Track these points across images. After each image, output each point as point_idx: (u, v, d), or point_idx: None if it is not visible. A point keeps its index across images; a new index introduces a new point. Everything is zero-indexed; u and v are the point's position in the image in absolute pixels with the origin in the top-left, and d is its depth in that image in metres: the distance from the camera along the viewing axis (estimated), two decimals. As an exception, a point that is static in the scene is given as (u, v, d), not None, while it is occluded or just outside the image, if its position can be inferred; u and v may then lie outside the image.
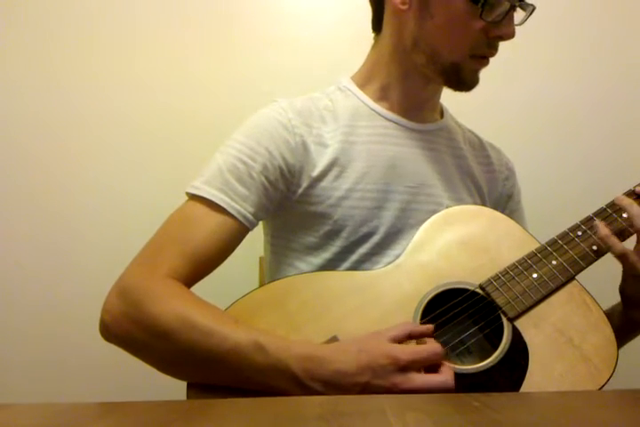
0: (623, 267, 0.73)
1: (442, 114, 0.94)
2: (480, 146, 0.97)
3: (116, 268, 0.73)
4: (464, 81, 0.82)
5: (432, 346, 0.61)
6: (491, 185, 0.93)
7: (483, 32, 0.77)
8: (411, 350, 0.59)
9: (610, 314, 0.75)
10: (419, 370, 0.60)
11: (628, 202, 0.74)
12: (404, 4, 0.79)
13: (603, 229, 0.73)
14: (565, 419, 0.41)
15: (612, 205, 0.76)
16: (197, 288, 0.73)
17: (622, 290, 0.77)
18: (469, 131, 0.98)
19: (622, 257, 0.71)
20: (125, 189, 1.34)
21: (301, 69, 1.35)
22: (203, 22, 1.37)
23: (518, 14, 0.80)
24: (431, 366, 0.61)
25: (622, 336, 0.78)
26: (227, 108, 1.32)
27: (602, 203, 0.77)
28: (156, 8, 1.36)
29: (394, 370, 0.58)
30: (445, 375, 0.60)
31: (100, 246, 1.32)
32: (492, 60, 0.82)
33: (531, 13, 0.80)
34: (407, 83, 0.86)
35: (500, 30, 0.77)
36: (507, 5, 0.75)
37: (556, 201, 1.35)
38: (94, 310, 0.70)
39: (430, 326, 0.65)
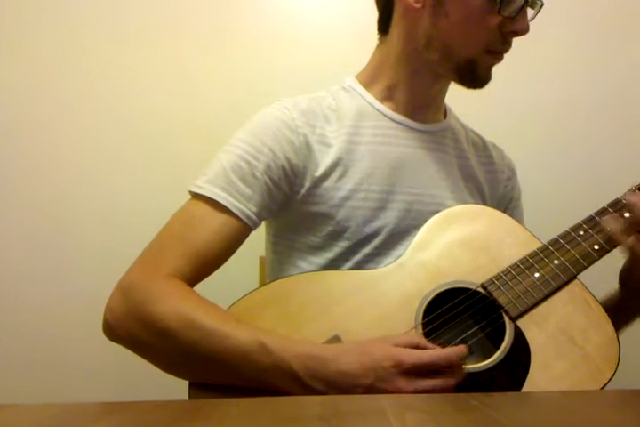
0: (631, 258, 0.73)
1: (445, 114, 0.94)
2: (483, 146, 0.96)
3: (118, 267, 0.73)
4: (478, 77, 0.82)
5: (437, 352, 0.60)
6: (492, 186, 0.93)
7: (497, 28, 0.77)
8: (415, 355, 0.59)
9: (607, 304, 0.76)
10: (422, 374, 0.59)
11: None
12: (417, 2, 0.79)
13: (612, 222, 0.73)
14: (566, 419, 0.41)
15: (614, 204, 0.76)
16: (198, 288, 0.73)
17: (627, 277, 0.78)
18: (472, 131, 0.98)
19: (632, 249, 0.71)
20: (125, 188, 1.33)
21: (301, 69, 1.34)
22: (201, 22, 1.36)
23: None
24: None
25: (621, 321, 0.79)
26: (226, 108, 1.32)
27: (603, 202, 0.76)
28: (154, 8, 1.36)
29: (397, 373, 0.58)
30: (448, 376, 0.59)
31: (102, 245, 1.32)
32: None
33: (539, 10, 0.81)
34: (415, 82, 0.86)
35: (514, 26, 0.77)
36: (521, 1, 0.76)
37: (559, 201, 1.35)
38: (96, 310, 0.70)
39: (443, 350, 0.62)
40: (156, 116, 1.34)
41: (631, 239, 0.70)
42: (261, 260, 1.18)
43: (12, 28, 1.32)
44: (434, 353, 0.60)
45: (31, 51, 1.33)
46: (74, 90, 1.34)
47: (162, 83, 1.35)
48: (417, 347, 0.62)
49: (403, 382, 0.57)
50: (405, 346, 0.61)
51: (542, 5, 0.80)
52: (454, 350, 0.60)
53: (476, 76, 0.82)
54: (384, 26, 0.87)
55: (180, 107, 1.34)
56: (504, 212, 0.92)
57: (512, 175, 0.98)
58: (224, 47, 1.36)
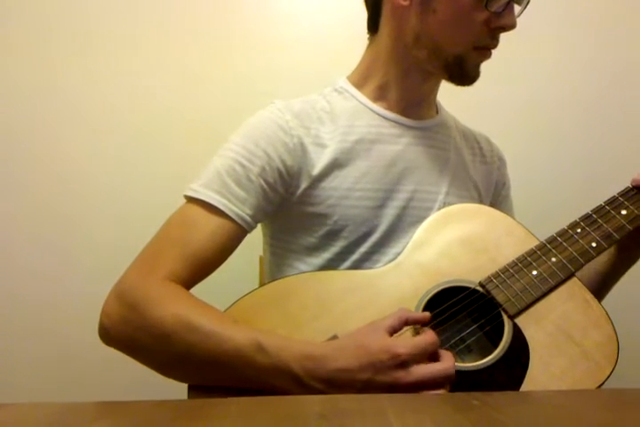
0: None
1: (437, 110, 0.94)
2: (472, 137, 0.98)
3: (120, 267, 0.73)
4: (467, 74, 0.82)
5: (428, 336, 0.61)
6: (485, 177, 0.94)
7: (485, 24, 0.77)
8: (409, 344, 0.59)
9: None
10: (419, 362, 0.59)
11: None
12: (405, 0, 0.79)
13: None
14: (565, 418, 0.41)
15: (611, 202, 0.76)
16: (197, 288, 0.73)
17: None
18: (460, 122, 0.99)
19: None
20: (124, 189, 1.34)
21: (300, 69, 1.35)
22: (201, 22, 1.37)
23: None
24: (432, 356, 0.61)
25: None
26: (225, 108, 1.32)
27: (600, 200, 0.77)
28: (155, 8, 1.36)
29: (394, 365, 0.58)
30: (445, 363, 0.60)
31: (106, 243, 1.32)
32: (493, 59, 0.82)
33: (525, 6, 0.81)
34: (406, 81, 0.86)
35: (501, 21, 0.77)
36: None
37: (556, 199, 1.35)
38: (95, 310, 0.70)
39: (427, 314, 0.65)
40: (159, 115, 1.35)
41: None
42: (261, 260, 1.18)
43: (17, 29, 1.33)
44: (424, 339, 0.60)
45: (35, 52, 1.33)
46: (78, 90, 1.34)
47: (163, 83, 1.35)
48: (406, 323, 0.63)
49: (401, 373, 0.57)
50: (397, 325, 0.62)
51: (528, 1, 0.80)
52: (433, 334, 0.62)
53: (464, 73, 0.82)
54: (373, 25, 0.87)
55: (181, 106, 1.35)
56: (497, 198, 0.96)
57: (501, 165, 1.00)
58: (225, 47, 1.37)
